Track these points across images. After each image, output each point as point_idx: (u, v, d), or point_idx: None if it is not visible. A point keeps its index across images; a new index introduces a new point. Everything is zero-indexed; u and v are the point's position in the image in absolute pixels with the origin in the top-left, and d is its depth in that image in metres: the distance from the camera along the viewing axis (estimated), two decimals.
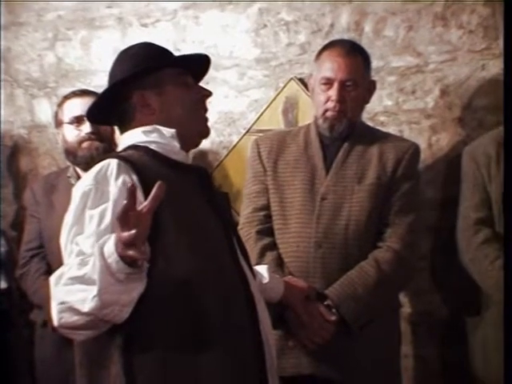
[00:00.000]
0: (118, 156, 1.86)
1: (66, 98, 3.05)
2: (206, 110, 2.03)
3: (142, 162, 1.84)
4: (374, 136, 2.68)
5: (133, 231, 1.57)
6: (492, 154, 2.67)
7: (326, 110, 2.58)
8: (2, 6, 3.58)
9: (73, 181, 2.95)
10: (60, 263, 1.78)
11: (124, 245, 1.59)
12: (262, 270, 2.20)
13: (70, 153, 2.98)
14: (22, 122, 3.65)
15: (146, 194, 1.63)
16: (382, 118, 3.09)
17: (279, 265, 2.53)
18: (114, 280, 1.62)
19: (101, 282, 1.62)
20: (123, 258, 1.60)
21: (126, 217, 1.58)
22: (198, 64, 2.08)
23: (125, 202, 1.58)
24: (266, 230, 2.61)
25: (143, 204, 1.60)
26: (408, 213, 2.55)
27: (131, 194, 1.59)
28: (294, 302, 2.34)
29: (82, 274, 1.66)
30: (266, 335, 1.93)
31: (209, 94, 2.04)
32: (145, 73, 1.95)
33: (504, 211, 2.19)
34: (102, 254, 1.62)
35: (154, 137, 1.92)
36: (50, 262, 2.93)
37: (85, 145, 2.93)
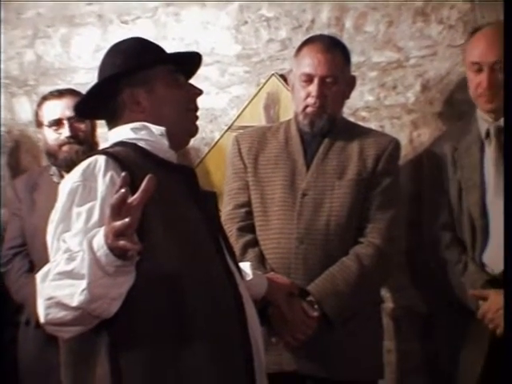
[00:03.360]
0: (106, 152, 1.84)
1: (45, 98, 3.06)
2: (196, 108, 2.02)
3: (129, 159, 1.82)
4: (355, 131, 2.68)
5: (126, 219, 1.56)
6: (448, 155, 2.70)
7: (306, 106, 2.58)
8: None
9: (55, 178, 2.97)
10: (43, 260, 1.77)
11: (115, 235, 1.57)
12: (245, 267, 2.18)
13: (51, 155, 3.01)
14: (2, 121, 3.62)
15: (133, 192, 1.61)
16: (363, 114, 3.09)
17: (261, 261, 2.53)
18: (103, 273, 1.61)
19: (90, 276, 1.60)
20: (113, 249, 1.59)
21: (120, 206, 1.57)
22: (190, 62, 2.07)
23: (123, 190, 1.56)
24: (248, 227, 2.61)
25: (133, 197, 1.59)
26: (388, 208, 2.56)
27: (126, 183, 1.58)
28: (276, 299, 2.33)
29: (71, 268, 1.64)
30: (254, 335, 1.93)
31: (199, 92, 2.03)
32: (136, 69, 1.93)
33: (504, 211, 2.20)
34: (90, 247, 1.61)
35: (142, 134, 1.90)
36: (33, 259, 2.93)
37: (65, 148, 2.96)
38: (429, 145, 2.93)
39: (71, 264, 1.65)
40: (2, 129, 3.63)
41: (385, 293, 2.93)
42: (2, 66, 3.59)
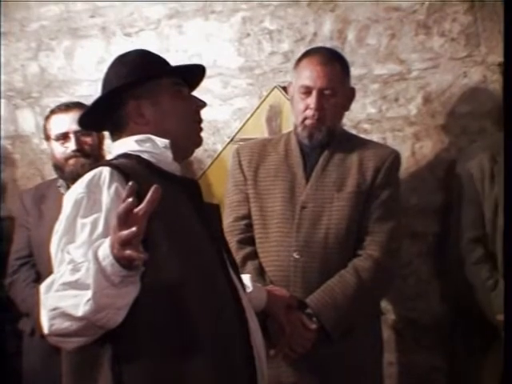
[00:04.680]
0: (111, 164, 1.84)
1: (53, 112, 3.08)
2: (200, 120, 2.03)
3: (134, 171, 1.82)
4: (354, 143, 2.67)
5: (133, 228, 1.56)
6: (486, 168, 2.65)
7: (305, 118, 2.58)
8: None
9: (63, 190, 2.99)
10: (50, 272, 1.77)
11: (121, 245, 1.57)
12: (245, 279, 2.18)
13: (58, 168, 3.04)
14: (5, 133, 3.64)
15: (138, 204, 1.60)
16: (365, 126, 3.10)
17: (260, 274, 2.53)
18: (108, 283, 1.60)
19: (95, 286, 1.60)
20: (119, 259, 1.59)
21: (127, 215, 1.57)
22: (195, 74, 2.07)
23: (129, 200, 1.56)
24: (247, 239, 2.60)
25: (139, 207, 1.59)
26: (388, 220, 2.54)
27: (133, 193, 1.58)
28: (275, 311, 2.32)
29: (75, 279, 1.64)
30: (257, 349, 1.92)
31: (203, 104, 2.03)
32: (141, 81, 1.94)
33: (504, 213, 2.18)
34: (96, 257, 1.60)
35: (147, 146, 1.91)
36: (40, 270, 2.95)
37: (71, 161, 2.98)
38: (464, 153, 2.85)
39: (76, 275, 1.65)
40: (7, 141, 3.65)
41: (386, 305, 2.92)
42: (2, 78, 3.61)
